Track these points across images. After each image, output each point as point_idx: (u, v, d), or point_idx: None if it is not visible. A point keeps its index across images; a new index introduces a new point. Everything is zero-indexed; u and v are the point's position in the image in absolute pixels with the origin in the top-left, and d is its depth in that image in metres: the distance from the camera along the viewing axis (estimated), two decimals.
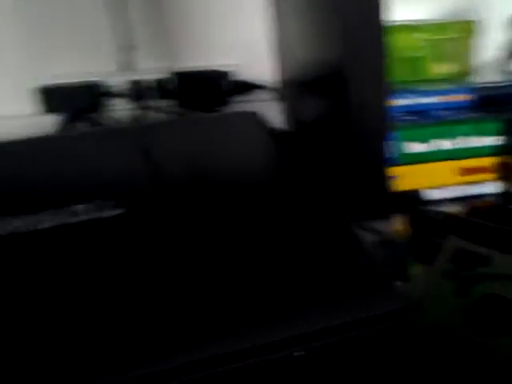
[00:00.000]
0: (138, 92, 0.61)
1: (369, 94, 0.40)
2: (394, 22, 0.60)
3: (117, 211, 0.34)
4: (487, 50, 0.76)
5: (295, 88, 0.58)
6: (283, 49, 0.64)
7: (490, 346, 0.25)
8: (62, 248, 0.31)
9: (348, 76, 0.39)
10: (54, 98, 0.59)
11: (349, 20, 0.38)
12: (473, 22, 0.66)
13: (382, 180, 0.43)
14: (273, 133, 0.49)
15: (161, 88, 0.62)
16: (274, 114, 0.57)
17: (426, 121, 0.51)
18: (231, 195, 0.38)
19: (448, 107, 0.56)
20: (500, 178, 0.50)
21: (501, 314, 0.27)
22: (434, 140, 0.49)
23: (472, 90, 0.57)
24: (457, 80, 0.63)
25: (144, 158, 0.44)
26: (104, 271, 0.29)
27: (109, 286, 0.28)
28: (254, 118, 0.51)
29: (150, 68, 0.61)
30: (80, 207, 0.33)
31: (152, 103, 0.61)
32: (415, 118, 0.53)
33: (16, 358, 0.24)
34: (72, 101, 0.59)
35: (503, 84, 0.59)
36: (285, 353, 0.26)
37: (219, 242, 0.32)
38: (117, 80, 0.61)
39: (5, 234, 0.32)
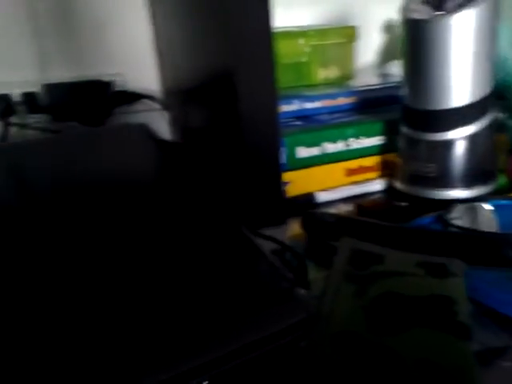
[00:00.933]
0: (6, 107, 0.55)
1: (260, 101, 0.40)
2: (278, 28, 0.61)
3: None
4: (366, 53, 0.81)
5: (182, 97, 0.57)
6: (168, 57, 0.61)
7: (388, 345, 0.25)
8: None
9: (238, 83, 0.38)
10: None
11: (238, 27, 0.37)
12: (354, 27, 0.69)
13: (277, 186, 0.42)
14: (160, 144, 0.47)
15: (34, 102, 0.57)
16: (160, 123, 0.55)
17: (313, 125, 0.52)
18: (120, 211, 0.36)
19: (333, 111, 0.58)
20: (384, 176, 0.53)
21: (396, 311, 0.27)
22: (322, 143, 0.50)
23: (354, 93, 0.59)
24: (340, 84, 0.66)
25: (16, 181, 0.40)
26: None
27: None
28: (139, 130, 0.48)
29: (21, 81, 0.55)
30: None
31: (23, 119, 0.55)
32: (302, 122, 0.53)
33: None
34: None
35: (382, 86, 0.63)
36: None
37: (104, 261, 0.30)
38: None
39: None
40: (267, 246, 0.36)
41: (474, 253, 0.33)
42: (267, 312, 0.26)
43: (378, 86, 0.63)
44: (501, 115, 0.62)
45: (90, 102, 0.59)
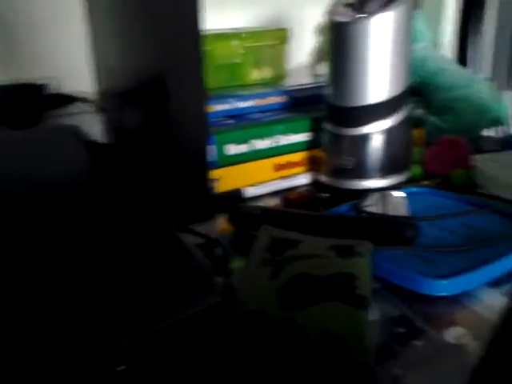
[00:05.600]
0: None
1: (188, 101, 0.41)
2: (212, 30, 0.62)
3: None
4: (299, 55, 0.84)
5: (115, 98, 0.57)
6: (101, 59, 0.62)
7: (294, 320, 0.27)
8: None
9: (166, 84, 0.40)
10: None
11: (167, 28, 0.38)
12: (286, 29, 0.72)
13: (204, 183, 0.44)
14: (92, 145, 0.47)
15: None
16: (93, 125, 0.55)
17: (242, 123, 0.54)
18: (51, 213, 0.37)
19: (264, 109, 0.60)
20: (310, 170, 0.56)
21: (305, 289, 0.30)
22: (252, 141, 0.52)
23: (285, 92, 0.62)
24: (274, 84, 0.68)
25: None
26: None
27: None
28: (69, 132, 0.48)
29: None
30: None
31: None
32: (234, 121, 0.55)
33: None
34: None
35: (311, 86, 0.66)
36: (107, 369, 0.25)
37: (38, 259, 0.31)
38: None
39: None
40: (195, 241, 0.38)
41: (380, 235, 0.36)
42: (184, 297, 0.28)
43: (307, 86, 0.66)
44: (419, 111, 0.67)
45: (20, 105, 0.59)
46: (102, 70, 0.62)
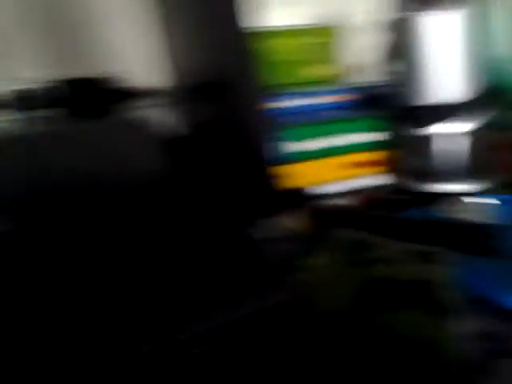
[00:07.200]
0: (21, 102, 0.56)
1: (246, 99, 0.41)
2: (269, 27, 0.62)
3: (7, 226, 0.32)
4: (361, 52, 0.82)
5: (180, 94, 0.58)
6: (168, 56, 0.63)
7: (381, 323, 0.26)
8: None
9: (227, 81, 0.40)
10: None
11: (221, 31, 0.39)
12: (344, 26, 0.70)
13: (269, 180, 0.44)
14: (163, 138, 0.48)
15: (46, 97, 0.58)
16: (159, 120, 0.56)
17: (312, 120, 0.53)
18: (124, 202, 0.38)
19: (331, 107, 0.59)
20: (383, 171, 0.54)
21: (383, 294, 0.28)
22: (319, 138, 0.51)
23: (353, 90, 0.60)
24: (334, 82, 0.67)
25: (32, 170, 0.41)
26: None
27: None
28: (143, 125, 0.49)
29: (33, 77, 0.57)
30: None
31: (37, 113, 0.57)
32: (302, 118, 0.54)
33: None
34: None
35: (381, 84, 0.63)
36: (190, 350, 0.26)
37: (114, 250, 0.32)
38: None
39: None
40: (264, 236, 0.37)
41: (465, 242, 0.33)
42: (259, 293, 0.28)
43: (377, 84, 0.63)
44: (502, 114, 0.63)
45: (90, 98, 0.61)
46: (169, 66, 0.63)
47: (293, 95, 0.57)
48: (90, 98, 0.60)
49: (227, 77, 0.40)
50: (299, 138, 0.50)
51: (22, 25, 0.59)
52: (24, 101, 0.56)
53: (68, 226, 0.34)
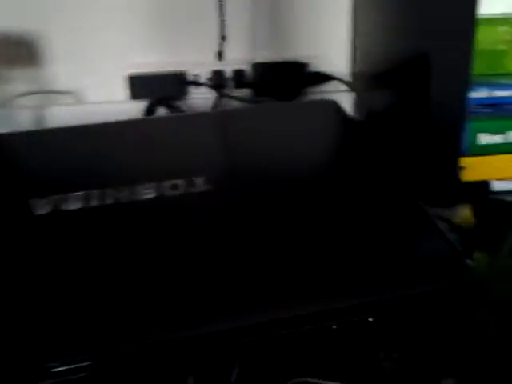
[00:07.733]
0: (220, 81, 0.66)
1: (451, 86, 0.42)
2: (478, 14, 0.59)
3: (207, 187, 0.38)
4: None
5: (370, 80, 0.60)
6: (360, 43, 0.65)
7: None
8: (161, 217, 0.36)
9: (431, 67, 0.41)
10: (141, 85, 0.65)
11: (437, 13, 0.39)
12: None
13: (454, 169, 0.44)
14: (350, 121, 0.51)
15: (242, 78, 0.67)
16: (346, 104, 0.59)
17: (499, 113, 0.52)
18: (308, 177, 0.41)
19: None
20: None
21: None
22: (508, 132, 0.50)
23: None
24: None
25: (225, 142, 0.48)
26: (189, 238, 0.33)
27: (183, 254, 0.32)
28: (332, 106, 0.52)
29: (235, 59, 0.65)
30: (178, 182, 0.38)
31: (233, 92, 0.66)
32: (490, 110, 0.53)
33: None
34: (158, 88, 0.65)
35: None
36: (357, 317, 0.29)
37: (293, 222, 0.35)
38: (201, 70, 0.65)
39: (112, 203, 0.37)
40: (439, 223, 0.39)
41: None
42: (433, 271, 0.29)
43: None
44: None
45: (287, 80, 0.67)
46: (359, 52, 0.66)
47: (494, 86, 0.56)
48: (285, 81, 0.67)
49: (435, 63, 0.41)
50: (487, 131, 0.50)
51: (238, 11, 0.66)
52: (222, 80, 0.65)
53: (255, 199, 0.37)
